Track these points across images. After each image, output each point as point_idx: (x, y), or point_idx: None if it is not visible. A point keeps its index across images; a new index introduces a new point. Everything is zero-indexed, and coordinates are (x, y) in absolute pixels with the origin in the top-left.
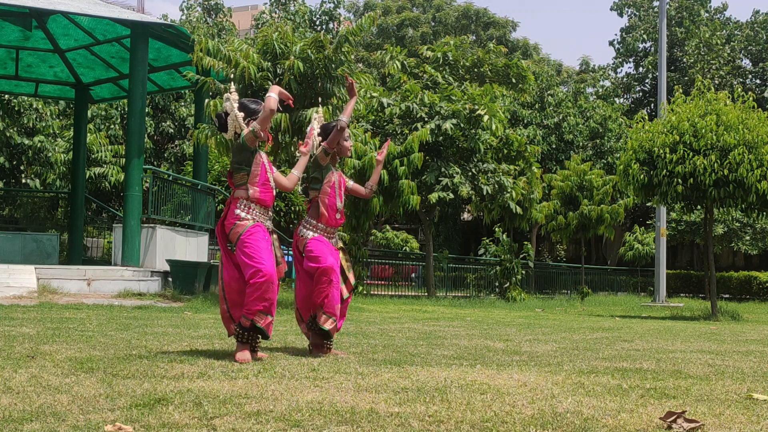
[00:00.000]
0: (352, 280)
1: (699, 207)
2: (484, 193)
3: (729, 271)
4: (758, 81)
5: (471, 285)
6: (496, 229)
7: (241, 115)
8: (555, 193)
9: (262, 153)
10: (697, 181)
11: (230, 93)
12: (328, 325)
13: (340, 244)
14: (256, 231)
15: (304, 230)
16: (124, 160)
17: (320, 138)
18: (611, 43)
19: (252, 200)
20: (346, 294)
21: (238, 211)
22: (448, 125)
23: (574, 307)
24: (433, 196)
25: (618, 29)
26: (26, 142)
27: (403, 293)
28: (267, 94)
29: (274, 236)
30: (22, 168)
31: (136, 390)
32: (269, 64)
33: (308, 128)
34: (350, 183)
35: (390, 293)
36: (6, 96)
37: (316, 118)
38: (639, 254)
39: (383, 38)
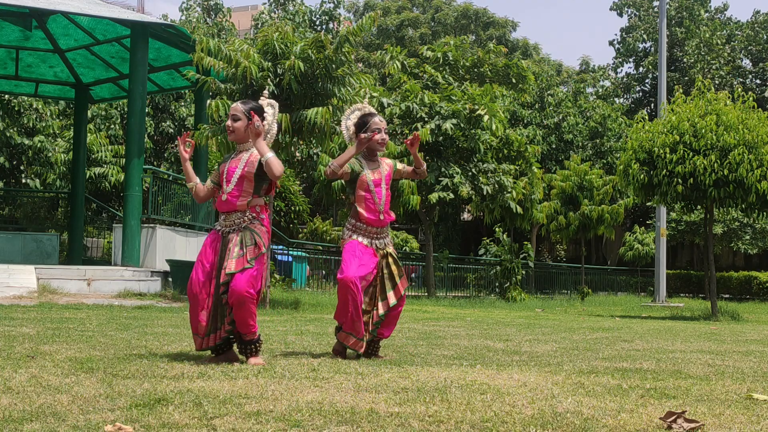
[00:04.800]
0: (402, 286)
1: (699, 207)
2: (484, 193)
3: (729, 271)
4: (758, 81)
5: (471, 285)
6: (497, 229)
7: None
8: (555, 193)
9: (229, 161)
10: (697, 181)
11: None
12: (348, 342)
13: (390, 248)
14: (206, 241)
15: (346, 231)
16: (124, 160)
17: (354, 129)
18: (611, 43)
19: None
20: (393, 301)
21: None
22: (448, 125)
23: (574, 307)
24: (433, 196)
25: (618, 29)
26: (26, 142)
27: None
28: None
29: (244, 236)
30: (22, 168)
31: (136, 390)
32: (270, 64)
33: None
34: (399, 165)
35: None
36: (6, 96)
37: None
38: (639, 254)
39: (383, 38)
